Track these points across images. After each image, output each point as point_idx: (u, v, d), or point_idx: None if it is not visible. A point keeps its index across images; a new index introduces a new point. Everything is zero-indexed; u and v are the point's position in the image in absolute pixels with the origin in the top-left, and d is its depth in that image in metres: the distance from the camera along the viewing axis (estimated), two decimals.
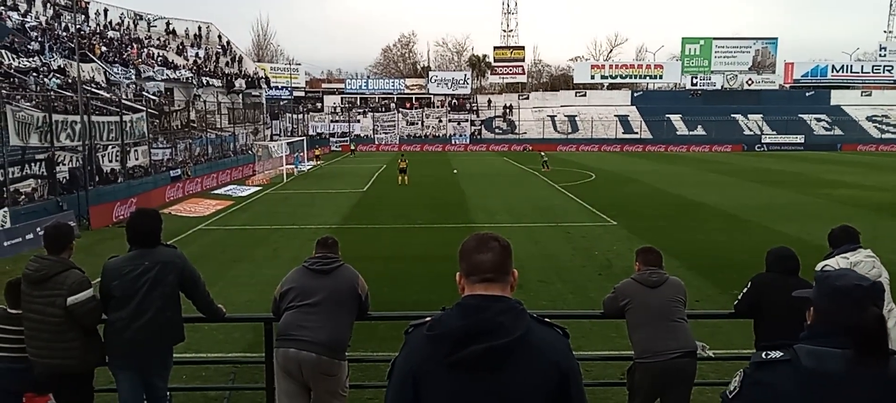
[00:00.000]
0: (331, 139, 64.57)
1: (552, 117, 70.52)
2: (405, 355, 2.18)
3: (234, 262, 15.38)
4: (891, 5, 74.82)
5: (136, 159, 28.09)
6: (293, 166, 38.34)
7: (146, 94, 35.35)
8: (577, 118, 70.05)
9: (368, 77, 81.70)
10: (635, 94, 74.72)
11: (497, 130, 69.77)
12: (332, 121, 69.47)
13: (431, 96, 72.87)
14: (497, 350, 2.03)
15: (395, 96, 73.03)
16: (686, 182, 32.96)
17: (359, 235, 18.57)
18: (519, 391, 2.06)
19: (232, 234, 19.56)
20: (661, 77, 75.27)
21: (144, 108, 30.08)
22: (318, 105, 72.25)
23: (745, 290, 4.91)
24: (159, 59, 43.96)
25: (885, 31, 75.74)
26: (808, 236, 16.58)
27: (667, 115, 68.77)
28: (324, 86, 76.74)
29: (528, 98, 74.94)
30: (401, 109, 71.23)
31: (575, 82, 76.67)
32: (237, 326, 9.43)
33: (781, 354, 2.16)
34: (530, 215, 22.18)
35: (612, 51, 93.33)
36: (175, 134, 35.16)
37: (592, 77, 75.47)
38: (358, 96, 73.45)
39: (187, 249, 14.22)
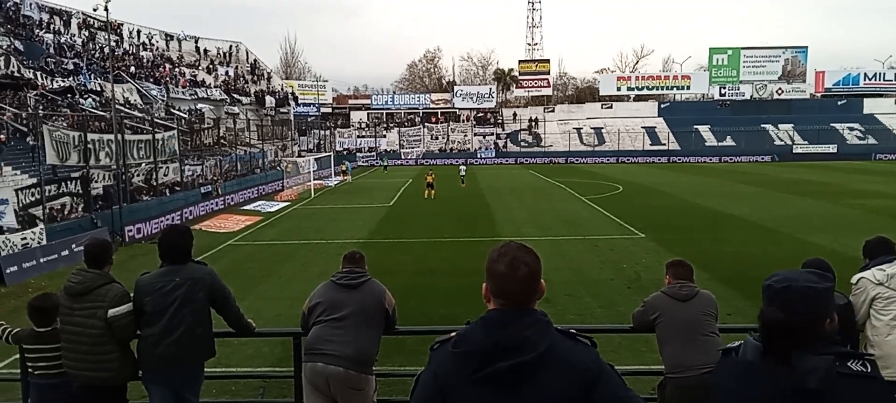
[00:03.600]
0: (357, 154, 65.15)
1: (578, 130, 70.19)
2: (431, 371, 2.16)
3: (263, 277, 15.55)
4: None
5: (167, 176, 28.62)
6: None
7: (177, 113, 36.04)
8: (603, 130, 69.61)
9: (394, 92, 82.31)
10: (662, 106, 74.03)
11: (523, 143, 69.61)
12: (358, 137, 70.10)
13: (457, 110, 73.09)
14: (524, 366, 2.01)
15: (421, 111, 73.42)
16: (715, 193, 32.48)
17: (386, 249, 18.64)
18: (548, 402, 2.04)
19: (261, 249, 19.77)
20: (688, 88, 74.62)
21: (175, 126, 30.69)
22: (345, 121, 72.96)
23: None
24: (190, 78, 44.83)
25: None
26: (842, 248, 16.23)
27: (695, 126, 68.04)
28: (350, 102, 77.42)
29: (553, 111, 74.70)
30: (426, 124, 71.54)
31: (601, 94, 76.33)
32: (266, 340, 9.53)
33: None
34: (557, 228, 22.06)
35: (638, 62, 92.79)
36: (205, 151, 35.73)
37: (618, 89, 75.13)
38: (384, 111, 73.98)
39: (217, 264, 14.42)
